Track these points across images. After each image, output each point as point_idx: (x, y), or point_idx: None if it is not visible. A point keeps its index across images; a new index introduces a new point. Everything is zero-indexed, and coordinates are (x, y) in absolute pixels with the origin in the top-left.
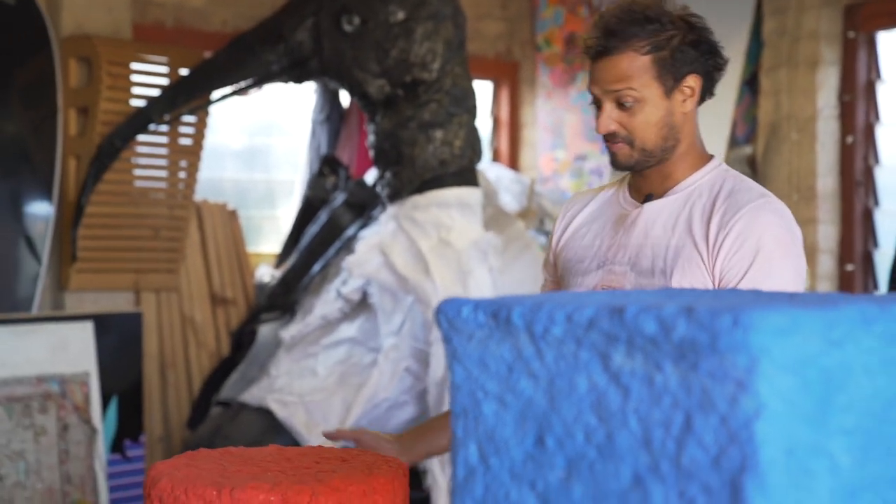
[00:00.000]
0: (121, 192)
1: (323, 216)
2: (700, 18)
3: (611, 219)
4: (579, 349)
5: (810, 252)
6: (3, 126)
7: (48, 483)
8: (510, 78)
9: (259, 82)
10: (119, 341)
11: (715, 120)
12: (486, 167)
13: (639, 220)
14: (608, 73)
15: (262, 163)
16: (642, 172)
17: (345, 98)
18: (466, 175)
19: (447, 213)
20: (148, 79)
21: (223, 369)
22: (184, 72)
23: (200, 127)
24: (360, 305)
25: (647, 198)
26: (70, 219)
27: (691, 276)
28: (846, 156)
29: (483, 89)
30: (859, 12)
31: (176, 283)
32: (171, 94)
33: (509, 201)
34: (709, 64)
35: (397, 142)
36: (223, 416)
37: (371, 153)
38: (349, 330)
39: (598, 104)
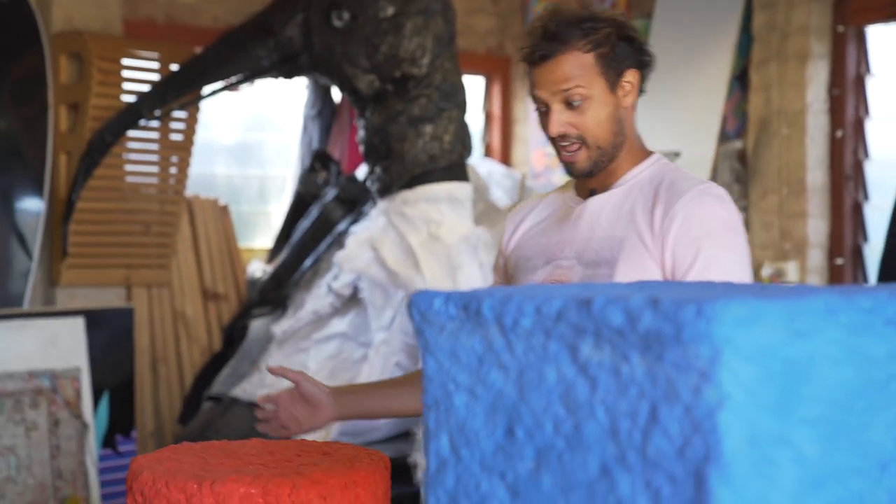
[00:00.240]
0: (112, 188)
1: (314, 211)
2: (626, 16)
3: (557, 217)
4: (548, 341)
5: (800, 246)
6: None
7: (39, 478)
8: (502, 73)
9: (249, 78)
10: (110, 337)
11: (705, 115)
12: (478, 162)
13: (584, 215)
14: (554, 74)
15: (254, 158)
16: (595, 175)
17: (336, 94)
18: (456, 170)
19: (437, 208)
20: (139, 75)
21: (214, 364)
22: (174, 68)
23: (191, 122)
24: (351, 300)
25: (591, 192)
26: (61, 215)
27: (637, 266)
28: (836, 150)
29: (475, 85)
30: (848, 6)
31: (167, 278)
32: (162, 90)
33: (501, 196)
34: (642, 60)
35: (387, 137)
36: (214, 411)
37: (361, 148)
38: (340, 325)
39: (544, 109)
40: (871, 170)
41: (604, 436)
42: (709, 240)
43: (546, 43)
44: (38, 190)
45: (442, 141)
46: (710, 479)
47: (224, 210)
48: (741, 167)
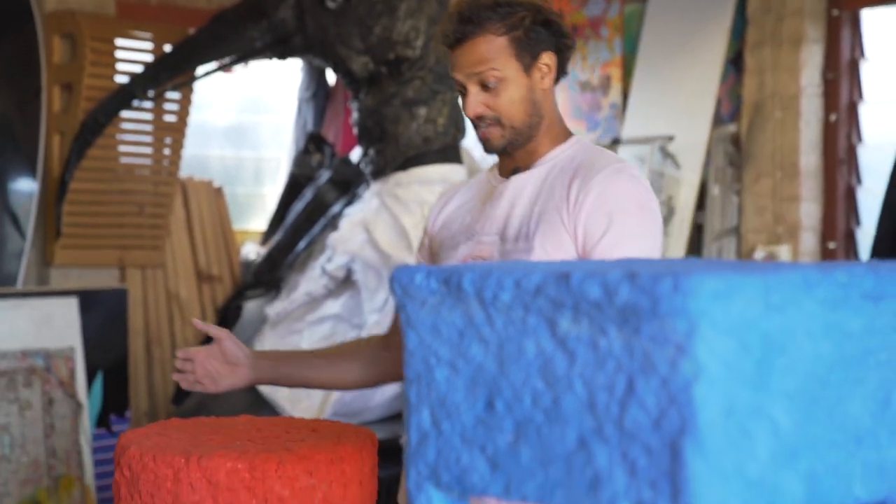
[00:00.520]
0: (105, 169)
1: (308, 194)
2: (546, 2)
3: (481, 196)
4: (527, 315)
5: (793, 230)
6: None
7: (33, 457)
8: None
9: (242, 59)
10: (104, 317)
11: (699, 99)
12: (472, 145)
13: (505, 193)
14: (469, 57)
15: (249, 140)
16: (510, 153)
17: (331, 76)
18: (450, 152)
19: (430, 190)
20: (132, 55)
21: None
22: (168, 48)
23: (185, 103)
24: (345, 282)
25: (514, 171)
26: (54, 195)
27: (553, 240)
28: (829, 134)
29: None
30: None
31: (161, 259)
32: (155, 71)
33: None
34: (561, 43)
35: (381, 119)
36: (207, 392)
37: (355, 130)
38: (334, 307)
39: (463, 90)
40: (865, 154)
41: (581, 408)
42: (620, 215)
43: (462, 26)
44: (31, 170)
45: (436, 123)
46: (685, 451)
47: (218, 192)
48: (735, 151)
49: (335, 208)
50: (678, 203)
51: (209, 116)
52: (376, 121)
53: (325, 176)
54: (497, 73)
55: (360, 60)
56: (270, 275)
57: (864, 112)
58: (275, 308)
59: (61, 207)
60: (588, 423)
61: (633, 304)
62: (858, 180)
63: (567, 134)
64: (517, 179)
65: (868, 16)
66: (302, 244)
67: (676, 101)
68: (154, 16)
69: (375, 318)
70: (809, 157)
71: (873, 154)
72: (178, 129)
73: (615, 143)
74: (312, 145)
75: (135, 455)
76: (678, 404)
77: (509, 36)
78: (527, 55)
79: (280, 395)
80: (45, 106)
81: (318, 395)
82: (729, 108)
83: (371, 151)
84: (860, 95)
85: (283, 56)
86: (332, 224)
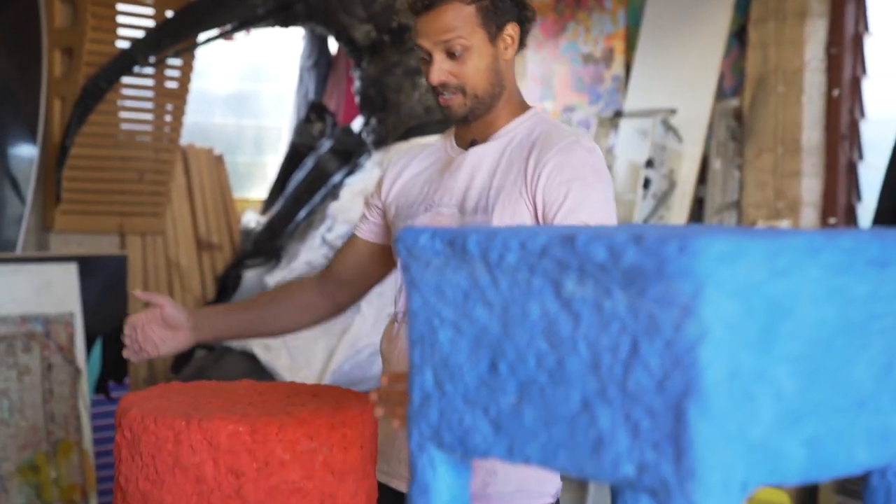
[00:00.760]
0: (106, 135)
1: (309, 163)
2: None
3: (439, 166)
4: (532, 276)
5: (794, 205)
6: None
7: (32, 421)
8: None
9: (244, 25)
10: (104, 284)
11: (702, 72)
12: None
13: (464, 165)
14: (436, 24)
15: (250, 109)
16: (471, 122)
17: (333, 44)
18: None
19: None
20: (133, 20)
21: None
22: (169, 14)
23: (186, 70)
24: None
25: (472, 143)
26: (55, 160)
27: (512, 211)
28: (832, 109)
29: None
30: None
31: (161, 226)
32: (157, 36)
33: None
34: (523, 14)
35: (383, 88)
36: (207, 359)
37: (357, 99)
38: None
39: (427, 57)
40: (867, 129)
41: (585, 370)
42: (577, 183)
43: None
44: (31, 135)
45: None
46: (689, 413)
47: (219, 160)
48: (737, 125)
49: (336, 178)
50: (680, 176)
51: (210, 84)
52: (378, 90)
53: (326, 145)
54: (463, 41)
55: (362, 29)
56: (270, 244)
57: (868, 87)
58: (275, 277)
59: (61, 173)
60: (592, 384)
61: (638, 265)
62: (860, 155)
63: (524, 106)
64: (475, 151)
65: None
66: (302, 213)
67: (679, 74)
68: None
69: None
70: (811, 133)
71: (876, 129)
72: (180, 96)
73: (617, 115)
74: (314, 114)
75: (136, 417)
76: (683, 366)
77: (477, 5)
78: (493, 25)
79: (279, 365)
80: (46, 71)
81: (317, 364)
82: (732, 82)
83: (373, 121)
84: (863, 70)
85: (285, 24)
86: (333, 194)
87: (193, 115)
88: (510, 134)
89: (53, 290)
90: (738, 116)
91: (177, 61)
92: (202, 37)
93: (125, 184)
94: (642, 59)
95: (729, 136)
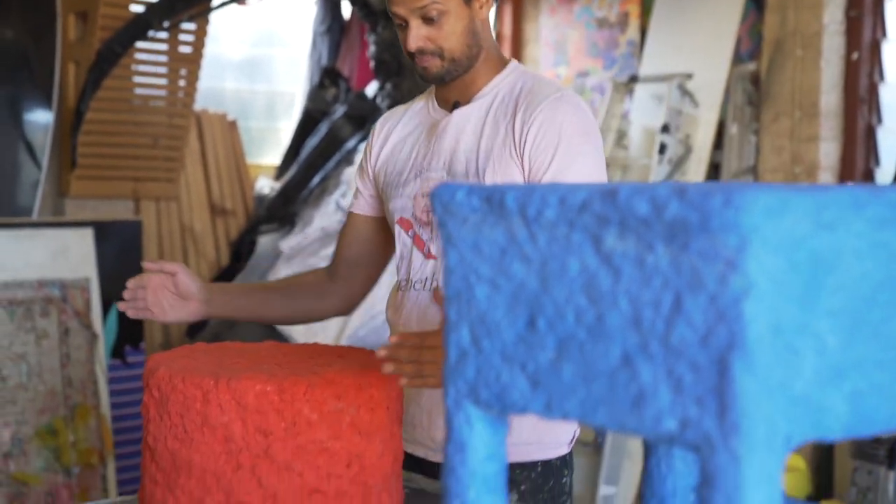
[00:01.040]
0: (120, 99)
1: (323, 128)
2: None
3: (423, 130)
4: (572, 232)
5: (811, 169)
6: (2, 32)
7: (49, 385)
8: None
9: None
10: (119, 249)
11: (719, 36)
12: None
13: (448, 128)
14: None
15: (263, 74)
16: (448, 82)
17: (346, 9)
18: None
19: None
20: None
21: (222, 279)
22: None
23: (200, 35)
24: None
25: (455, 105)
26: (70, 125)
27: (503, 174)
28: (851, 72)
29: None
30: None
31: (175, 192)
32: (171, 1)
33: None
34: None
35: (398, 52)
36: (222, 325)
37: (371, 64)
38: None
39: (403, 24)
40: (886, 93)
41: (626, 325)
42: (564, 143)
43: None
44: (46, 100)
45: None
46: (733, 367)
47: (232, 125)
48: (754, 90)
49: (350, 143)
50: (696, 142)
51: (223, 49)
52: (393, 54)
53: (339, 110)
54: (439, 6)
55: None
56: (284, 209)
57: (887, 50)
58: (289, 242)
59: (76, 138)
60: (633, 340)
61: (682, 219)
62: (879, 120)
63: (503, 61)
64: (459, 113)
65: None
66: (316, 179)
67: (695, 38)
68: None
69: None
70: (830, 97)
71: (895, 93)
72: (194, 61)
73: (633, 80)
74: (327, 79)
75: (164, 376)
76: (727, 320)
77: None
78: None
79: (295, 330)
80: (61, 35)
81: (332, 329)
82: (748, 46)
83: (388, 85)
84: (883, 33)
85: None
86: (347, 159)
87: (206, 81)
88: (492, 93)
89: (69, 256)
90: (755, 81)
91: (191, 26)
92: (215, 1)
93: (139, 149)
94: (658, 24)
95: (746, 101)
